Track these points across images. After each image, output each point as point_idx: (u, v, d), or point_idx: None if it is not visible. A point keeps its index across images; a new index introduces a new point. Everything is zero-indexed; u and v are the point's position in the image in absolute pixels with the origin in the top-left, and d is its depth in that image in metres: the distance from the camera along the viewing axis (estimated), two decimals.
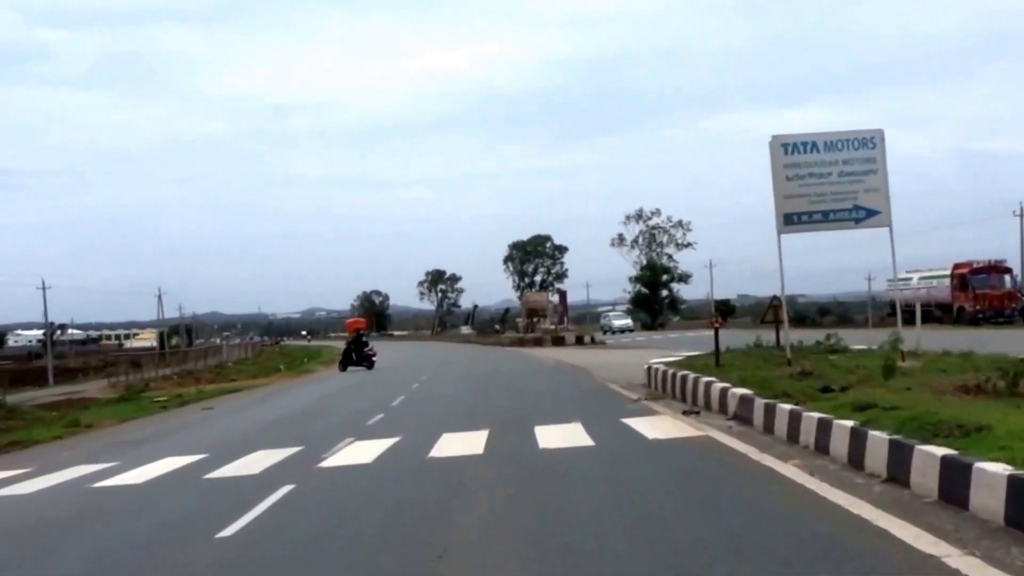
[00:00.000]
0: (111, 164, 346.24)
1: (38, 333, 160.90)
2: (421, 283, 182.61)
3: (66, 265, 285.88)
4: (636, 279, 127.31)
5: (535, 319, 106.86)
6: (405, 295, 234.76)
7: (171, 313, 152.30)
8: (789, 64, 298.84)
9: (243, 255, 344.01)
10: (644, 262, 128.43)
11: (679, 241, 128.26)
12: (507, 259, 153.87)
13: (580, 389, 30.00)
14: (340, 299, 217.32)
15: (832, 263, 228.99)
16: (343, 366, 55.42)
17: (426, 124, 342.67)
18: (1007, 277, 69.20)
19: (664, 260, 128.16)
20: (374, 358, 55.47)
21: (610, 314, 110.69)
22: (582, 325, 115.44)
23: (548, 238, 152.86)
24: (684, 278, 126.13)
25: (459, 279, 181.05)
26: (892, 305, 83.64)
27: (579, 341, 73.14)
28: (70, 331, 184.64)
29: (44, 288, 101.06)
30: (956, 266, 69.89)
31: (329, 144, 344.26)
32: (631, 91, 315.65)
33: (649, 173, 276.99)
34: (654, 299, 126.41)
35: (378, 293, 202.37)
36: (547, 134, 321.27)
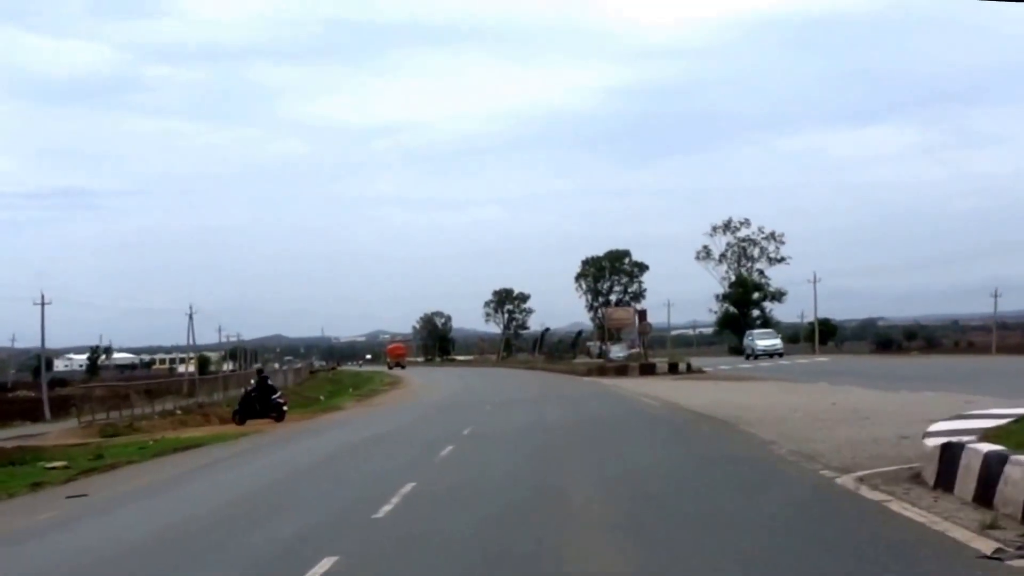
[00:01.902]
0: (192, 186, 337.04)
1: (83, 357, 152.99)
2: (487, 303, 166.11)
3: (133, 287, 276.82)
4: (724, 297, 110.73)
5: (610, 343, 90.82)
6: (470, 317, 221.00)
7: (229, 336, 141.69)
8: (856, 90, 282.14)
9: (310, 278, 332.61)
10: (732, 278, 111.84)
11: (771, 255, 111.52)
12: (579, 276, 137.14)
13: (759, 479, 14.25)
14: (406, 322, 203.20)
15: (910, 286, 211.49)
16: (240, 418, 39.55)
17: (498, 146, 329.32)
18: None
19: (755, 276, 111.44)
20: (284, 408, 40.91)
21: (754, 332, 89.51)
22: (659, 350, 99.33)
23: (627, 253, 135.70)
24: (778, 296, 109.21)
25: (527, 298, 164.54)
26: None
27: (673, 370, 56.93)
28: (117, 355, 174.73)
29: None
30: None
31: (403, 167, 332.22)
32: (701, 116, 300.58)
33: (723, 195, 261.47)
34: (744, 320, 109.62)
35: (440, 315, 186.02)
36: (618, 156, 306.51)
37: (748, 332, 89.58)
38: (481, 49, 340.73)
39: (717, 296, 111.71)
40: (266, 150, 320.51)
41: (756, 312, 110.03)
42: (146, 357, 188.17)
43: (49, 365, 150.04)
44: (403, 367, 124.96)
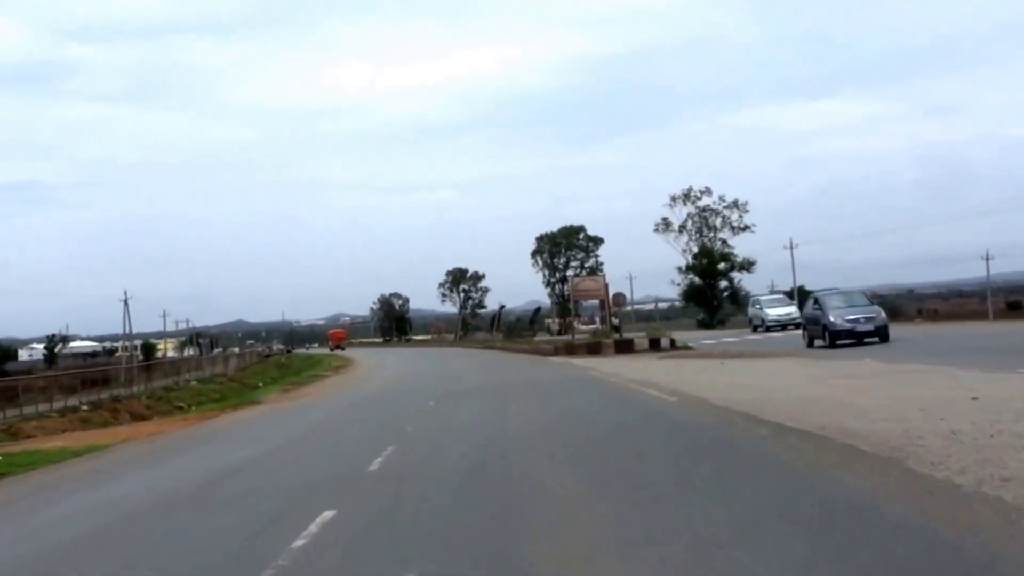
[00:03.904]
0: (137, 176, 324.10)
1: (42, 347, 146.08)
2: (442, 284, 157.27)
3: (90, 276, 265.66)
4: (688, 269, 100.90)
5: (569, 318, 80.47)
6: (428, 297, 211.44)
7: (201, 322, 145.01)
8: (814, 57, 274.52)
9: (268, 263, 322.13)
10: (694, 249, 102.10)
11: (735, 224, 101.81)
12: (535, 253, 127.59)
13: None
14: (365, 304, 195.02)
15: (865, 256, 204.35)
16: None
17: (450, 126, 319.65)
18: None
19: (719, 246, 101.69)
20: None
21: (762, 299, 71.62)
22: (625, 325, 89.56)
23: (581, 228, 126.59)
24: (747, 266, 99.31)
25: (482, 277, 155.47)
26: None
27: (655, 346, 46.72)
28: (80, 343, 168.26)
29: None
30: None
31: (353, 149, 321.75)
32: (654, 88, 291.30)
33: (679, 169, 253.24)
34: (711, 291, 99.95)
35: (398, 296, 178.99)
36: (571, 132, 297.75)
37: (754, 299, 73.14)
38: (429, 21, 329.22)
39: (680, 268, 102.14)
40: (214, 135, 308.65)
41: (724, 283, 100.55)
42: (109, 344, 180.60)
43: (14, 355, 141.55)
44: (343, 349, 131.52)
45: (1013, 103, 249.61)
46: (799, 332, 54.78)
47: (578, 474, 11.70)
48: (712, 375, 26.92)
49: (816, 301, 41.11)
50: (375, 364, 72.13)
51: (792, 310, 63.26)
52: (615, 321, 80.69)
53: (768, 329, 60.37)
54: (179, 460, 19.79)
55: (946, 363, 23.50)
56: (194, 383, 59.70)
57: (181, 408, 44.85)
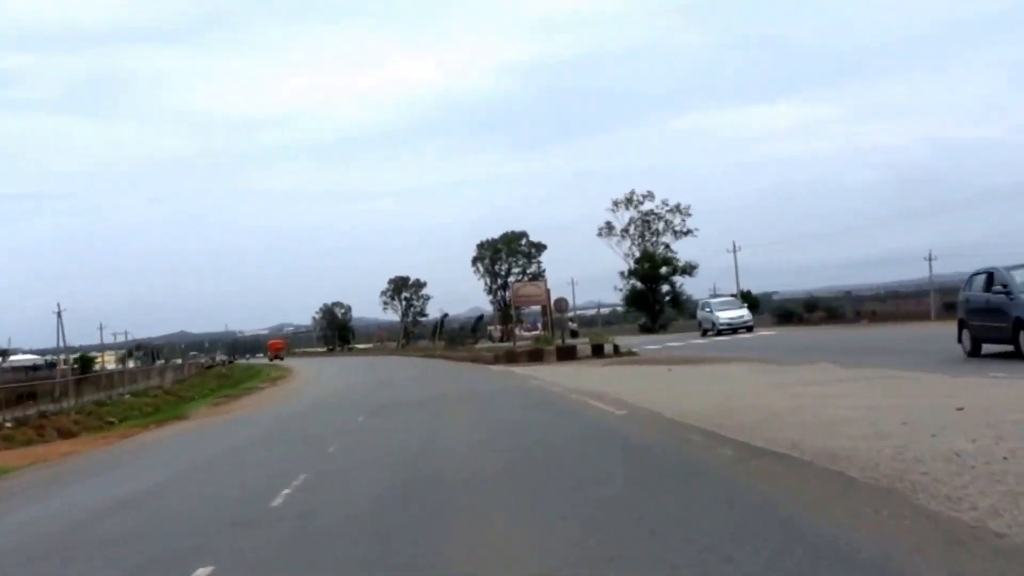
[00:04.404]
0: (79, 186, 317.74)
1: None
2: (384, 292, 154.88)
3: (32, 288, 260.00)
4: (630, 273, 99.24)
5: (510, 325, 78.69)
6: (370, 306, 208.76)
7: (144, 334, 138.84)
8: (756, 61, 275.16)
9: (210, 273, 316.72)
10: (637, 254, 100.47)
11: (677, 228, 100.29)
12: (476, 260, 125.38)
13: None
14: (308, 314, 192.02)
15: (803, 259, 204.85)
16: None
17: (391, 134, 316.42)
18: None
19: (661, 250, 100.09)
20: None
21: (712, 302, 68.20)
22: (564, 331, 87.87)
23: (523, 234, 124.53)
24: (688, 270, 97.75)
25: (424, 285, 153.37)
26: None
27: (598, 352, 44.74)
28: (18, 357, 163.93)
29: None
30: None
31: (295, 158, 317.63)
32: (597, 93, 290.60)
33: (621, 175, 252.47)
34: (653, 296, 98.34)
35: (340, 305, 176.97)
36: (514, 138, 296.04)
37: (703, 302, 70.86)
38: (369, 28, 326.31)
39: (622, 273, 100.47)
40: (156, 144, 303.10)
41: (666, 287, 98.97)
42: (51, 358, 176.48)
43: None
44: (282, 359, 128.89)
45: (953, 105, 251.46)
46: (749, 335, 53.21)
47: (514, 514, 9.61)
48: (660, 383, 24.97)
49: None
50: (313, 375, 69.79)
51: (744, 313, 61.64)
52: (572, 326, 78.79)
53: (720, 333, 58.49)
54: (72, 490, 17.48)
55: (907, 367, 21.76)
56: (128, 397, 56.95)
57: (112, 423, 42.26)
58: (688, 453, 11.94)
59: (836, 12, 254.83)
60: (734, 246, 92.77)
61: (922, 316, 64.85)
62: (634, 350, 45.76)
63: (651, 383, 25.35)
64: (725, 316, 60.72)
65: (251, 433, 25.71)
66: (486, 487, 11.31)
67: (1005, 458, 9.18)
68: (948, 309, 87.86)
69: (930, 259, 77.83)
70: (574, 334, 73.87)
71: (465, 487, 11.52)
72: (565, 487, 10.56)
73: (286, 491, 12.46)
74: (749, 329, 59.35)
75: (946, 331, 42.70)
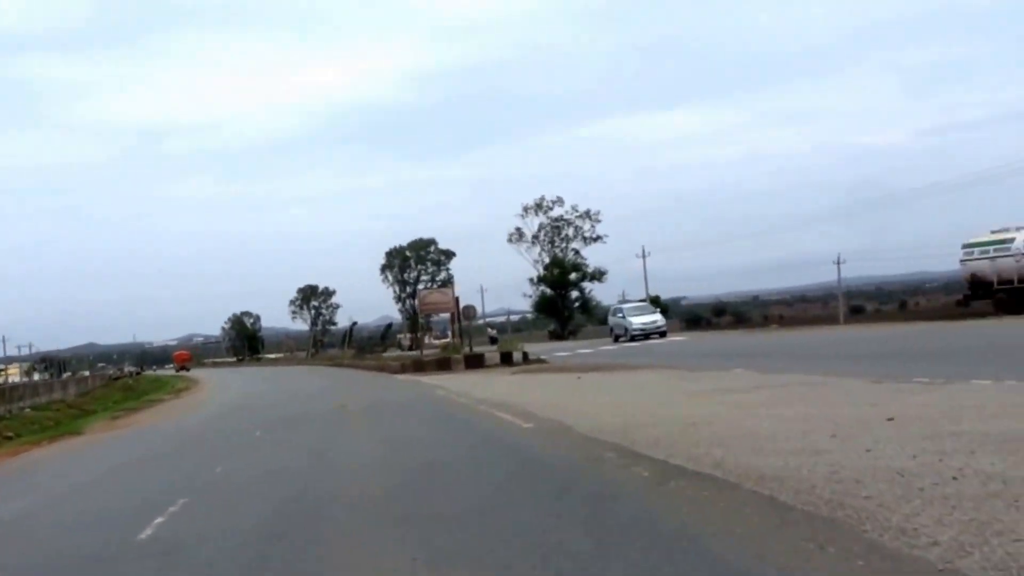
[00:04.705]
0: None
1: None
2: (293, 301, 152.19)
3: None
4: (540, 280, 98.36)
5: (420, 334, 77.30)
6: (279, 315, 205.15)
7: (51, 346, 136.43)
8: (663, 67, 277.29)
9: (118, 285, 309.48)
10: (547, 260, 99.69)
11: (587, 234, 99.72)
12: (385, 268, 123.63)
13: None
14: (218, 324, 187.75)
15: (710, 264, 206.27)
16: None
17: (300, 142, 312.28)
18: None
19: (571, 256, 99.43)
20: None
21: (624, 307, 65.51)
22: (475, 338, 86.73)
23: (432, 241, 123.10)
24: (598, 275, 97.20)
25: (333, 293, 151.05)
26: (973, 284, 57.43)
27: (507, 360, 43.52)
28: None
29: None
30: None
31: (204, 167, 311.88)
32: (507, 99, 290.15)
33: (531, 181, 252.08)
34: (563, 302, 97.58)
35: (248, 314, 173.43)
36: (424, 145, 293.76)
37: (615, 308, 68.35)
38: (274, 37, 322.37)
39: (532, 279, 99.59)
40: (61, 153, 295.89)
41: (576, 293, 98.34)
42: None
43: None
44: (188, 370, 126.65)
45: (855, 111, 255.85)
46: (660, 341, 52.44)
47: (406, 546, 8.30)
48: (570, 392, 23.80)
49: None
50: (218, 386, 67.57)
51: (657, 318, 60.61)
52: (492, 332, 77.61)
53: (633, 338, 57.41)
54: None
55: (825, 372, 20.90)
56: (28, 411, 54.27)
57: (9, 438, 39.96)
58: (601, 473, 10.73)
59: (739, 19, 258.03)
60: (643, 251, 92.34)
61: (831, 320, 64.81)
62: (543, 357, 44.62)
63: (560, 392, 24.18)
64: (638, 321, 59.67)
65: (142, 450, 24.00)
66: (378, 512, 10.00)
67: (955, 478, 8.14)
68: (855, 312, 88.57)
69: (839, 263, 78.02)
70: (494, 340, 72.78)
71: (354, 513, 10.20)
72: (464, 514, 9.29)
73: (159, 519, 11.02)
74: (662, 335, 58.50)
75: (856, 335, 42.51)
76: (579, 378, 28.82)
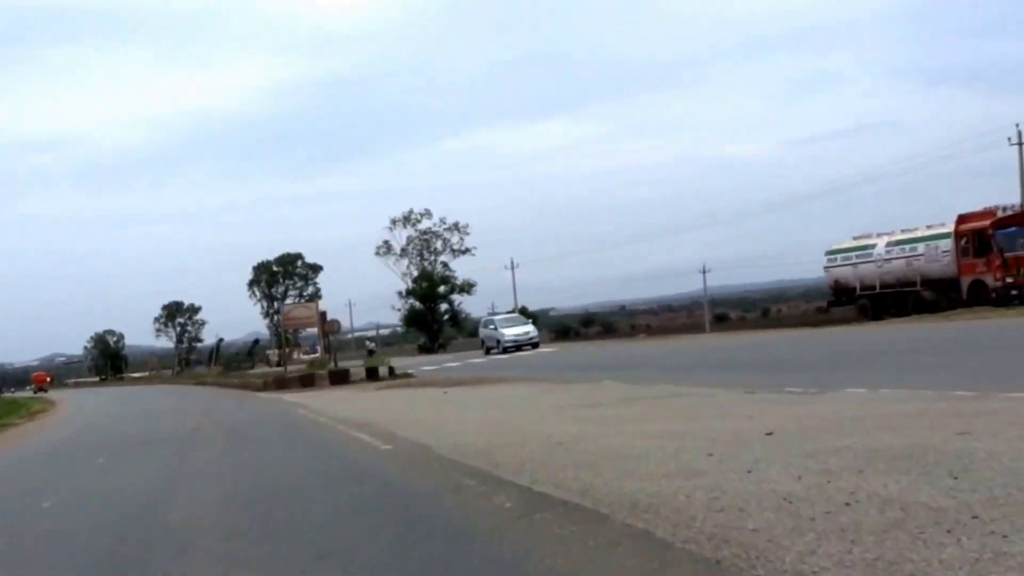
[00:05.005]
0: None
1: None
2: (158, 318, 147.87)
3: None
4: (409, 293, 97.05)
5: (288, 350, 75.24)
6: (144, 333, 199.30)
7: None
8: (532, 80, 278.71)
9: None
10: (415, 273, 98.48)
11: (455, 247, 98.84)
12: (252, 283, 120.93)
13: None
14: (81, 343, 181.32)
15: (578, 275, 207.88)
16: None
17: (165, 156, 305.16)
18: None
19: (440, 269, 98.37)
20: None
21: (495, 319, 64.77)
22: (344, 353, 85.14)
23: (299, 256, 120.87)
24: (467, 288, 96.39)
25: (199, 310, 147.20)
26: (837, 290, 57.73)
27: (372, 375, 42.13)
28: None
29: None
30: (963, 219, 42.48)
31: (65, 182, 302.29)
32: (377, 111, 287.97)
33: (401, 194, 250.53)
34: (432, 315, 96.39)
35: (112, 332, 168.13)
36: (292, 158, 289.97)
37: (486, 319, 67.32)
38: (139, 48, 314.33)
39: (401, 293, 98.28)
40: None
41: (445, 306, 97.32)
42: None
43: None
44: (46, 391, 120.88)
45: (719, 122, 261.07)
46: (530, 353, 51.93)
47: None
48: (434, 408, 22.65)
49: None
50: (76, 408, 64.43)
51: (530, 329, 59.82)
52: (371, 346, 76.54)
53: (505, 350, 56.46)
54: None
55: (696, 383, 20.18)
56: None
57: None
58: (458, 504, 9.59)
59: (603, 32, 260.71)
60: (512, 263, 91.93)
61: (697, 328, 65.01)
62: (411, 372, 43.38)
63: (425, 408, 23.00)
64: (511, 333, 58.75)
65: None
66: (211, 558, 8.69)
67: (848, 504, 7.23)
68: (720, 321, 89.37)
69: (704, 272, 78.67)
70: (371, 353, 71.85)
71: (181, 557, 8.87)
72: (303, 558, 8.07)
73: None
74: (534, 346, 57.78)
75: (722, 343, 42.35)
76: (445, 393, 27.71)
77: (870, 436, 10.34)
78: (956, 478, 7.66)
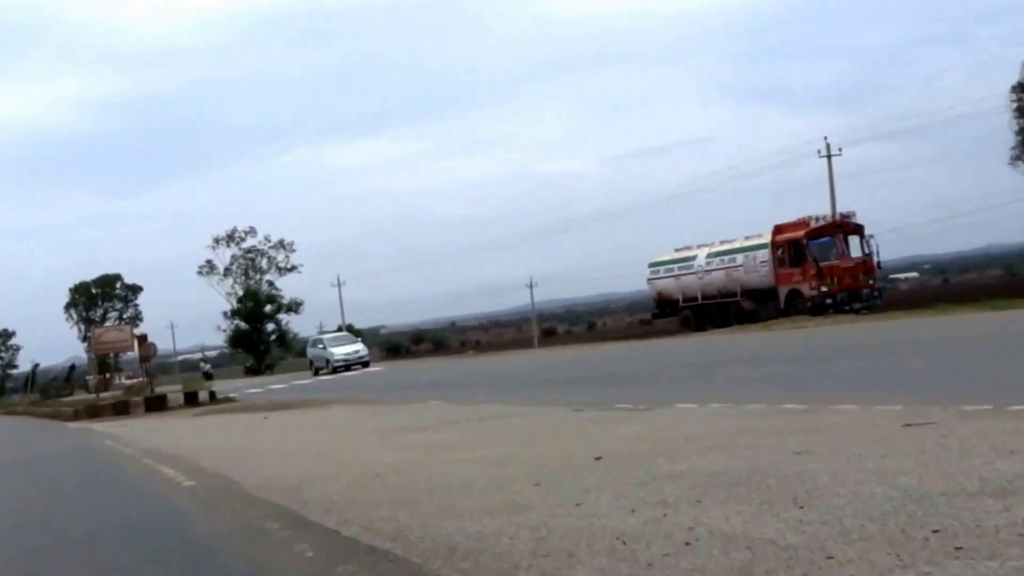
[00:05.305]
0: None
1: None
2: None
3: None
4: (234, 313, 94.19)
5: (108, 375, 71.88)
6: None
7: None
8: (359, 96, 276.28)
9: None
10: (241, 293, 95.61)
11: (281, 265, 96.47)
12: (69, 306, 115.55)
13: None
14: None
15: (408, 292, 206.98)
16: None
17: None
18: (858, 240, 43.04)
19: (266, 288, 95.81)
20: None
21: (324, 338, 62.44)
22: (168, 376, 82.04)
23: (118, 277, 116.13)
24: (294, 307, 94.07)
25: (13, 335, 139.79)
26: (660, 302, 57.77)
27: (191, 400, 40.09)
28: None
29: None
30: (779, 229, 42.87)
31: None
32: (201, 128, 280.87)
33: (225, 212, 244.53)
34: (258, 336, 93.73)
35: None
36: (112, 177, 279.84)
37: (315, 339, 64.87)
38: None
39: (226, 313, 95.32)
40: None
41: (271, 326, 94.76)
42: None
43: None
44: None
45: (542, 139, 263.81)
46: (360, 373, 50.92)
47: None
48: (251, 436, 21.22)
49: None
50: None
51: (360, 348, 58.29)
52: (206, 367, 74.21)
53: (335, 370, 54.80)
54: None
55: (524, 401, 19.38)
56: None
57: None
58: (254, 556, 8.38)
59: (426, 50, 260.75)
60: (338, 280, 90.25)
61: (526, 343, 64.69)
62: (233, 396, 41.48)
63: (240, 436, 21.54)
64: (340, 352, 57.07)
65: None
66: None
67: (688, 544, 6.38)
68: (548, 335, 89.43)
69: (531, 286, 78.57)
70: (208, 376, 69.65)
71: None
72: None
73: None
74: (365, 365, 56.34)
75: (551, 358, 41.87)
76: (265, 418, 26.23)
77: (705, 458, 9.61)
78: (802, 507, 6.92)
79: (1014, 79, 49.93)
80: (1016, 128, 49.65)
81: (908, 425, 10.06)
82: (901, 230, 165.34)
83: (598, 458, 10.46)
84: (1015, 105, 49.36)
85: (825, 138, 60.62)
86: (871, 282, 42.74)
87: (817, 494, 7.28)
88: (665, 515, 7.30)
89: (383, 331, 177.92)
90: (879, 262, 43.39)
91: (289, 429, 21.92)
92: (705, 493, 7.90)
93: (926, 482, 7.10)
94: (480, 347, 75.12)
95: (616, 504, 7.93)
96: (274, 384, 51.04)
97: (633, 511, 7.57)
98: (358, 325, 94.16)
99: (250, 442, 19.70)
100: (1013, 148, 50.06)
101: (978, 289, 64.41)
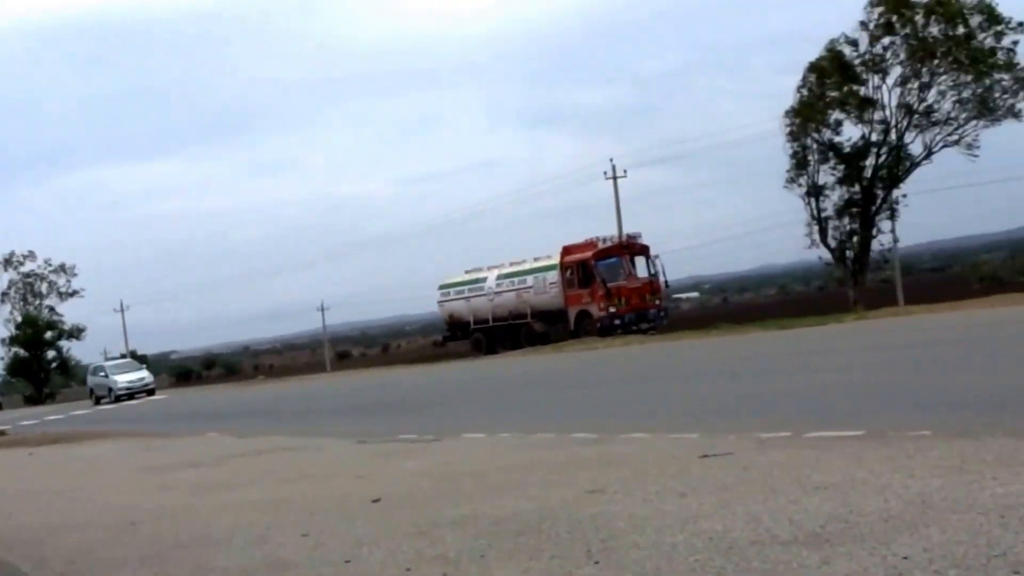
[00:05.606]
0: None
1: None
2: None
3: None
4: (12, 340, 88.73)
5: None
6: None
7: None
8: (147, 117, 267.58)
9: None
10: (19, 319, 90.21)
11: (62, 290, 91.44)
12: None
13: None
14: None
15: (199, 316, 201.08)
16: None
17: None
18: (644, 261, 43.07)
19: (46, 314, 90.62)
20: None
21: (106, 365, 58.98)
22: None
23: None
24: (76, 333, 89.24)
25: None
26: (452, 324, 56.53)
27: None
28: None
29: None
30: (568, 250, 42.57)
31: None
32: None
33: (6, 235, 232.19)
34: (38, 363, 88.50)
35: None
36: None
37: (95, 366, 60.74)
38: None
39: (3, 340, 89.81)
40: None
41: (52, 353, 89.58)
42: None
43: None
44: None
45: (336, 162, 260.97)
46: (143, 401, 48.22)
47: None
48: (9, 476, 19.21)
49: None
50: None
51: (144, 375, 55.22)
52: None
53: (118, 399, 51.67)
54: None
55: (309, 432, 18.17)
56: None
57: None
58: None
59: (215, 72, 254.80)
60: (122, 305, 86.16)
61: (319, 367, 62.93)
62: (4, 428, 38.41)
63: None
64: (124, 380, 53.89)
65: None
66: None
67: None
68: (342, 358, 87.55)
69: (323, 309, 76.62)
70: None
71: None
72: None
73: None
74: (150, 392, 53.43)
75: (343, 383, 40.55)
76: (31, 455, 24.01)
77: (491, 500, 8.68)
78: (597, 563, 6.04)
79: (787, 104, 51.60)
80: (790, 152, 51.37)
81: (705, 456, 9.39)
82: (682, 251, 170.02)
83: (376, 500, 9.41)
84: (788, 130, 51.08)
85: (611, 160, 61.45)
86: (657, 302, 43.14)
87: (614, 544, 6.43)
88: (444, 573, 6.32)
89: (174, 356, 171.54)
90: (666, 281, 43.93)
91: (54, 467, 19.99)
92: (491, 544, 6.96)
93: (732, 528, 6.32)
94: (272, 372, 72.78)
95: (390, 560, 6.90)
96: (52, 415, 47.77)
97: (408, 570, 6.55)
98: (147, 350, 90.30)
99: (5, 483, 17.77)
100: (788, 171, 51.79)
101: (756, 308, 66.36)
